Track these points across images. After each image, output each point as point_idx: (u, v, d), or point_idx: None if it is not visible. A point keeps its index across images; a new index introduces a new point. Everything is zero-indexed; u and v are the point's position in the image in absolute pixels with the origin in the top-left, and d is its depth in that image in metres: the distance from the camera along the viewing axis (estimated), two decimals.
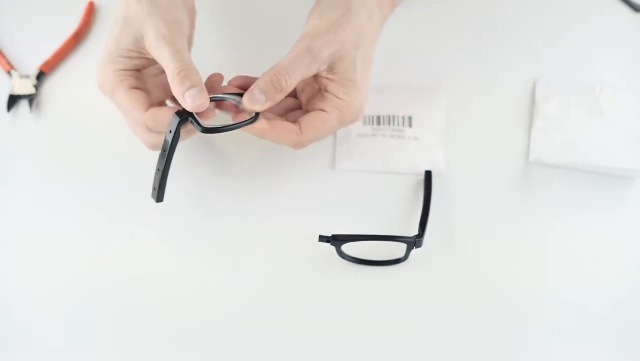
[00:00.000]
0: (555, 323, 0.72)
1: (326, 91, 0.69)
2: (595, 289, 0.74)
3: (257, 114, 0.67)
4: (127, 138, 0.72)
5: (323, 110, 0.68)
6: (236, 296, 0.71)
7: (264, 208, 0.75)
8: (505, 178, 0.78)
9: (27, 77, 0.80)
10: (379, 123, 0.79)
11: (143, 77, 0.70)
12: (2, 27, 0.84)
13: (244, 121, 0.66)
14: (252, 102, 0.66)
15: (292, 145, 0.69)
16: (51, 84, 0.81)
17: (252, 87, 0.66)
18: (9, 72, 0.80)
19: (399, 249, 0.72)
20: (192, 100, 0.64)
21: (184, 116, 0.65)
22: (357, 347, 0.70)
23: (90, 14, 0.84)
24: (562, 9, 0.87)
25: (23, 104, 0.79)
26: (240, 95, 0.68)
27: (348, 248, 0.71)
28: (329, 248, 0.71)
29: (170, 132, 0.65)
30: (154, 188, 0.68)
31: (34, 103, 0.79)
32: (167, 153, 0.66)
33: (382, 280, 0.72)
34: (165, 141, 0.66)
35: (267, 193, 0.75)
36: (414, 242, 0.71)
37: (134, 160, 0.75)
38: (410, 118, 0.80)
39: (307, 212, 0.75)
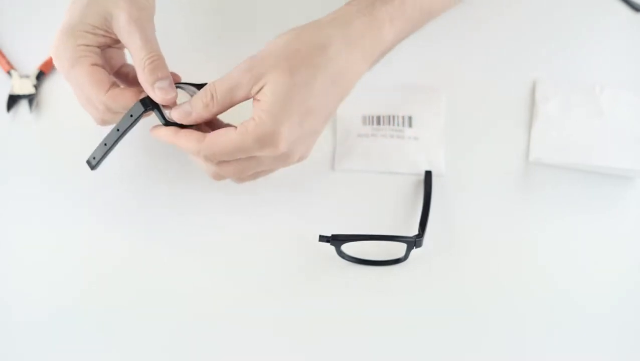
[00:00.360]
0: (555, 323, 0.72)
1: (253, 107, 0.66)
2: (595, 289, 0.74)
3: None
4: (127, 138, 0.72)
5: (234, 126, 0.65)
6: (236, 296, 0.71)
7: (264, 208, 0.75)
8: (505, 178, 0.78)
9: (27, 77, 0.80)
10: (379, 123, 0.79)
11: (103, 55, 0.68)
12: (2, 27, 0.83)
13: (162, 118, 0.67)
14: (179, 113, 0.66)
15: (197, 155, 0.66)
16: (51, 84, 0.81)
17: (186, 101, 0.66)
18: (9, 72, 0.80)
19: (399, 249, 0.72)
20: (164, 93, 0.65)
21: (150, 106, 0.65)
22: (357, 347, 0.70)
23: None
24: (562, 9, 0.87)
25: (23, 104, 0.79)
26: (198, 86, 0.68)
27: (348, 248, 0.71)
28: (329, 248, 0.71)
29: (131, 116, 0.66)
30: (94, 158, 0.69)
31: (34, 103, 0.79)
32: (120, 133, 0.67)
33: (382, 280, 0.72)
34: (122, 122, 0.66)
35: (267, 193, 0.75)
36: (414, 242, 0.71)
37: (134, 160, 0.75)
38: (410, 118, 0.80)
39: (307, 212, 0.75)
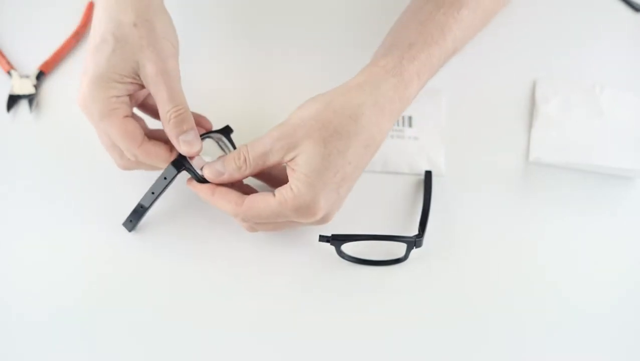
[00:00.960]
0: (555, 323, 0.72)
1: (288, 177, 0.67)
2: (594, 288, 0.74)
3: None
4: None
5: (272, 192, 0.66)
6: (236, 296, 0.71)
7: None
8: (505, 178, 0.78)
9: (27, 77, 0.80)
10: None
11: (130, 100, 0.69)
12: (2, 27, 0.83)
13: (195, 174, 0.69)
14: (211, 172, 0.67)
15: (235, 217, 0.68)
16: (51, 83, 0.81)
17: (217, 159, 0.68)
18: (9, 72, 0.80)
19: (399, 249, 0.72)
20: (189, 146, 0.67)
21: (182, 167, 0.68)
22: (357, 347, 0.70)
23: (91, 13, 0.84)
24: (562, 9, 0.87)
25: (23, 104, 0.79)
26: (223, 132, 0.71)
27: (348, 248, 0.71)
28: (329, 248, 0.71)
29: (165, 178, 0.68)
30: (130, 221, 0.71)
31: (34, 103, 0.79)
32: (156, 196, 0.69)
33: (382, 280, 0.72)
34: (156, 185, 0.69)
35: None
36: (413, 242, 0.71)
37: None
38: (410, 118, 0.80)
39: None
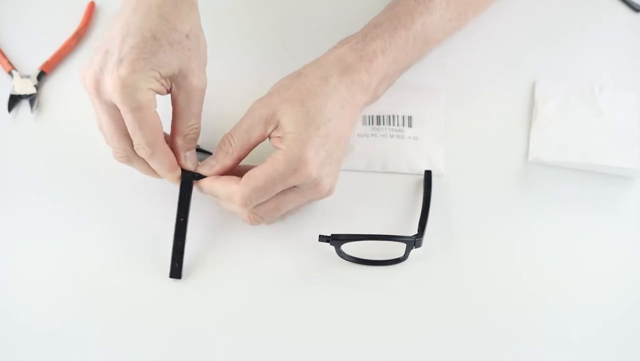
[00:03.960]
0: (555, 322, 0.72)
1: (274, 147, 0.68)
2: (594, 288, 0.74)
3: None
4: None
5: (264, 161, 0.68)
6: (236, 296, 0.72)
7: None
8: (504, 178, 0.78)
9: (28, 77, 0.80)
10: (378, 123, 0.79)
11: None
12: (2, 27, 0.84)
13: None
14: (205, 167, 0.70)
15: (235, 199, 0.68)
16: (52, 84, 0.81)
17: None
18: (10, 72, 0.81)
19: (399, 249, 0.72)
20: (191, 164, 0.70)
21: (194, 178, 0.70)
22: (357, 347, 0.70)
23: (91, 14, 0.84)
24: (562, 9, 0.87)
25: (24, 104, 0.80)
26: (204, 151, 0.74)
27: (348, 248, 0.72)
28: (329, 248, 0.71)
29: (185, 196, 0.71)
30: (176, 265, 0.71)
31: (35, 103, 0.79)
32: (184, 221, 0.71)
33: (382, 280, 0.73)
34: (180, 209, 0.70)
35: None
36: (413, 242, 0.71)
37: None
38: (410, 118, 0.80)
39: (307, 212, 0.75)
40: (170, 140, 0.70)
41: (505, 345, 0.71)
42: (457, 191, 0.77)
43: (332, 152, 0.69)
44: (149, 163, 0.69)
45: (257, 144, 0.69)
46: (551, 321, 0.72)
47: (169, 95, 0.68)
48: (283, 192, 0.68)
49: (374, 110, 0.79)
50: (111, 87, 0.64)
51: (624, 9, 0.88)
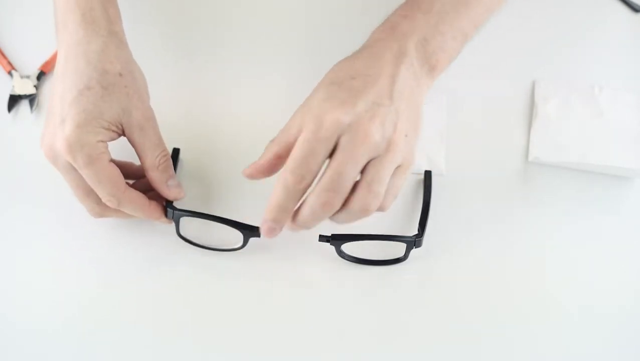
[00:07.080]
0: (555, 321, 0.72)
1: None
2: (594, 288, 0.74)
3: None
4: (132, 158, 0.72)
5: None
6: (236, 296, 0.71)
7: (263, 208, 0.75)
8: (504, 177, 0.78)
9: (27, 77, 0.80)
10: None
11: None
12: (2, 27, 0.84)
13: None
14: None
15: (290, 181, 0.63)
16: (52, 84, 0.81)
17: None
18: (9, 73, 0.81)
19: (399, 249, 0.72)
20: (178, 191, 0.70)
21: (178, 215, 0.70)
22: (357, 347, 0.70)
23: None
24: (561, 9, 0.87)
25: (24, 104, 0.80)
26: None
27: (348, 248, 0.72)
28: (329, 248, 0.71)
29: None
30: None
31: (35, 103, 0.79)
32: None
33: (382, 280, 0.73)
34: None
35: (267, 193, 0.75)
36: (413, 242, 0.71)
37: (135, 159, 0.75)
38: None
39: None
40: (147, 177, 0.70)
41: (506, 345, 0.71)
42: (458, 191, 0.77)
43: (366, 89, 0.63)
44: (122, 210, 0.68)
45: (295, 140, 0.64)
46: (551, 321, 0.72)
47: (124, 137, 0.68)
48: (364, 169, 0.62)
49: None
50: (60, 148, 0.65)
51: (624, 9, 0.88)
